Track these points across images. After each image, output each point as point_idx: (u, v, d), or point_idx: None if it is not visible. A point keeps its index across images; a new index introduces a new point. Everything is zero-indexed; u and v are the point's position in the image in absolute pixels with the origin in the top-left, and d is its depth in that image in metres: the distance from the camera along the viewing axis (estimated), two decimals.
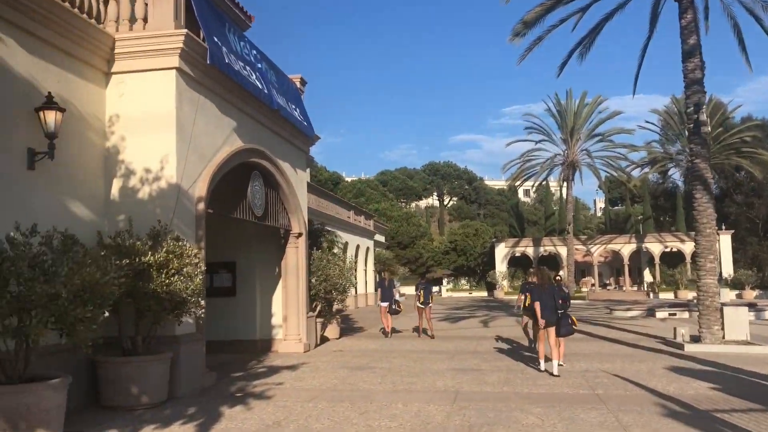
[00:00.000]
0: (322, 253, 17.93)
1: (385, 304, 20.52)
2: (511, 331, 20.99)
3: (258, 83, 13.24)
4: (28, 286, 6.46)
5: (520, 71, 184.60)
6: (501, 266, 61.55)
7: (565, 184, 52.63)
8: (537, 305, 12.24)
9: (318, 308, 17.97)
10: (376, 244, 56.45)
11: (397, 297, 20.82)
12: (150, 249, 9.35)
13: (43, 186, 8.93)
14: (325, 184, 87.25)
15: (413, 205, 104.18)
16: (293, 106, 15.96)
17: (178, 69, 10.45)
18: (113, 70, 10.55)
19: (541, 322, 12.15)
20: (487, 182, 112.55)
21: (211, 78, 11.51)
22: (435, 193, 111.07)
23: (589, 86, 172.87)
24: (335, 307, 20.88)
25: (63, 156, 9.30)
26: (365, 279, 45.84)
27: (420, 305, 20.20)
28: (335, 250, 20.60)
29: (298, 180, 16.57)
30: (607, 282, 65.32)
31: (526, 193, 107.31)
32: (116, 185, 10.42)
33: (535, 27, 22.58)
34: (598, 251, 60.03)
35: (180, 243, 9.80)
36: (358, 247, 43.90)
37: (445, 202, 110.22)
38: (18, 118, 8.55)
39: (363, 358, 14.88)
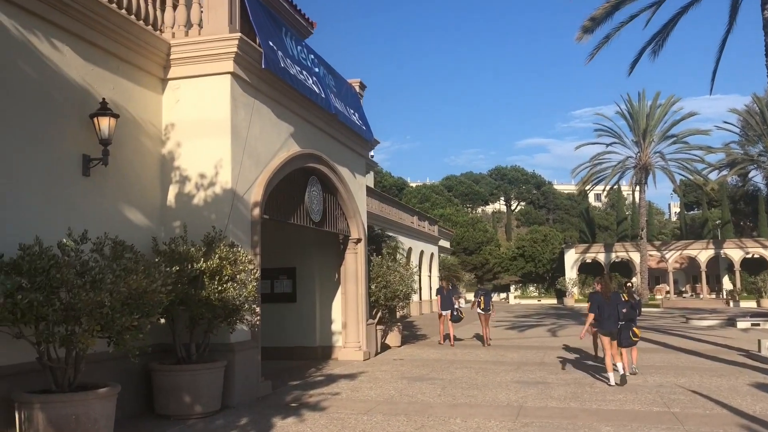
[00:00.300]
0: (382, 259, 17.62)
1: (446, 312, 20.02)
2: (581, 341, 20.11)
3: (315, 87, 13.06)
4: (74, 294, 6.36)
5: (589, 73, 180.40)
6: (571, 273, 59.91)
7: (637, 187, 50.75)
8: (590, 316, 12.10)
9: (378, 315, 17.66)
10: (441, 249, 55.89)
11: (457, 305, 20.28)
12: (203, 255, 9.23)
13: (98, 192, 8.94)
14: (389, 190, 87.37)
15: (479, 210, 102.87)
16: (352, 111, 15.73)
17: (233, 73, 10.34)
18: (169, 76, 10.53)
19: (592, 330, 12.02)
20: (556, 186, 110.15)
21: (267, 83, 11.38)
22: (502, 198, 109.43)
23: (662, 86, 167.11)
24: (398, 314, 20.80)
25: (118, 162, 9.31)
26: (429, 285, 45.35)
27: (480, 311, 19.94)
28: (397, 257, 20.24)
29: (356, 185, 16.33)
30: (683, 289, 62.58)
31: (597, 197, 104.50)
32: (172, 191, 10.39)
33: (603, 24, 21.76)
34: (673, 257, 57.62)
35: (234, 249, 9.65)
36: (422, 252, 43.48)
37: (513, 207, 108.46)
38: (73, 124, 8.58)
39: (423, 367, 14.47)
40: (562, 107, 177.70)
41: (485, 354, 17.18)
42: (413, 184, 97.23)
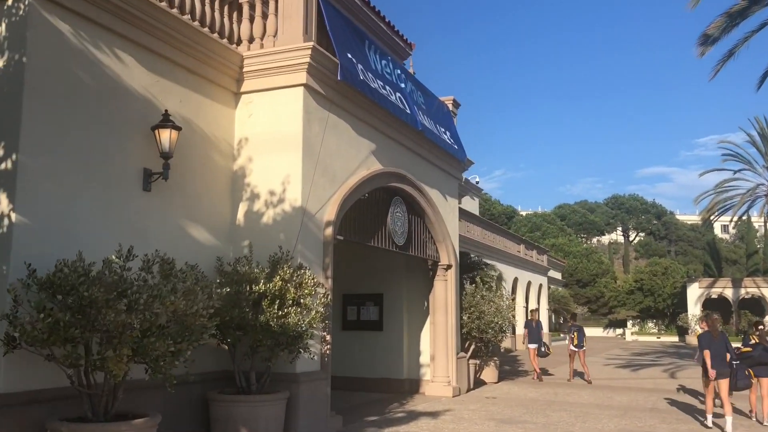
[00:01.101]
0: (476, 288, 16.45)
1: (534, 346, 19.26)
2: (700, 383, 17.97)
3: (399, 103, 12.31)
4: (103, 314, 5.82)
5: (715, 99, 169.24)
6: (694, 309, 55.44)
7: None
8: (706, 354, 11.03)
9: (472, 348, 16.47)
10: (552, 281, 53.45)
11: (545, 340, 19.48)
12: (266, 277, 8.59)
13: (160, 208, 8.53)
14: (498, 218, 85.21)
15: (594, 240, 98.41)
16: (442, 129, 14.87)
17: (306, 85, 9.76)
18: (242, 89, 10.12)
19: (711, 372, 10.91)
20: (678, 217, 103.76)
21: (345, 96, 10.75)
22: (619, 228, 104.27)
23: None
24: (502, 347, 20.02)
25: (184, 178, 8.91)
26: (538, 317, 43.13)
27: (573, 348, 18.98)
28: (493, 285, 18.99)
29: (447, 207, 15.36)
30: None
31: (724, 229, 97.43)
32: (242, 209, 9.89)
33: (729, 34, 19.76)
34: None
35: (300, 271, 8.96)
36: (529, 283, 41.58)
37: (631, 238, 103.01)
38: (136, 138, 8.24)
39: (517, 408, 13.15)
40: (686, 134, 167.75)
41: (589, 395, 15.55)
42: (523, 213, 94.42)
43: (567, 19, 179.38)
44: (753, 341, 11.99)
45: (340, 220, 10.51)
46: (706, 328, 11.36)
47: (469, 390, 15.73)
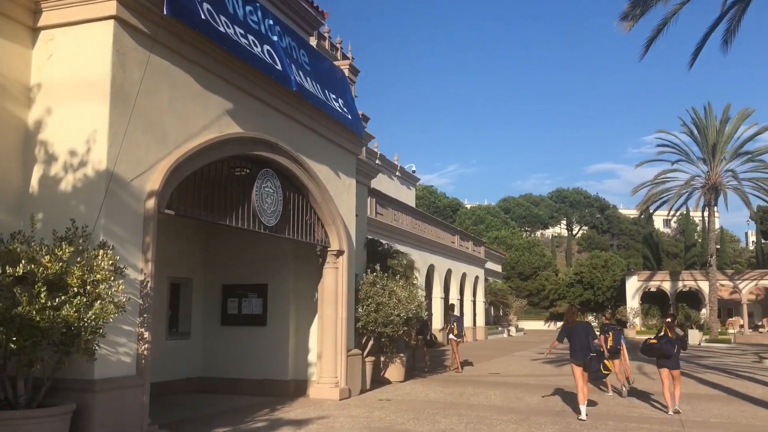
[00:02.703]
0: (376, 277, 14.67)
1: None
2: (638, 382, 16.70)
3: (267, 57, 10.40)
4: None
5: (661, 97, 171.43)
6: (632, 302, 55.16)
7: (706, 210, 45.96)
8: (552, 344, 12.05)
9: (370, 345, 14.71)
10: (491, 273, 52.30)
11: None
12: (50, 258, 6.60)
13: None
14: (443, 211, 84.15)
15: (538, 233, 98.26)
16: (333, 96, 13.01)
17: (117, 18, 7.77)
18: (40, 24, 8.05)
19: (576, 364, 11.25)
20: (621, 211, 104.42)
21: (184, 40, 8.77)
22: (563, 222, 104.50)
23: (734, 100, 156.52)
24: (436, 340, 19.75)
25: None
26: (474, 310, 41.88)
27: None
28: (403, 275, 17.28)
29: (340, 185, 13.53)
30: (759, 324, 56.73)
31: (666, 223, 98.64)
32: (36, 173, 7.86)
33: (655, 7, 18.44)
34: (747, 288, 52.22)
35: (93, 252, 6.99)
36: (464, 275, 40.19)
37: (574, 232, 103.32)
38: None
39: (406, 413, 11.44)
40: (633, 132, 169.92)
41: (498, 396, 13.95)
42: (468, 206, 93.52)
43: (514, 12, 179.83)
44: (662, 333, 11.75)
45: (172, 190, 8.56)
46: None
47: (364, 391, 13.96)
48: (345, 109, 13.35)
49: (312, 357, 13.46)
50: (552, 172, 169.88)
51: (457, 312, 22.36)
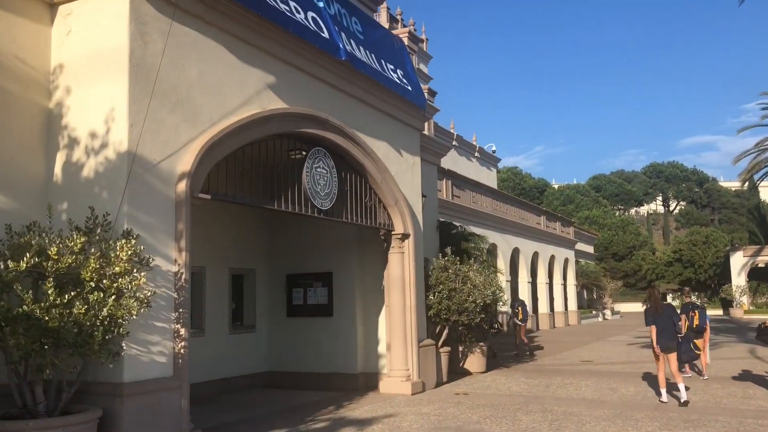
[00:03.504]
0: (447, 262, 13.59)
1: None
2: (739, 365, 14.96)
3: (312, 24, 9.52)
4: None
5: (760, 60, 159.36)
6: (738, 279, 51.35)
7: None
8: (652, 330, 10.92)
9: (444, 334, 13.68)
10: (583, 255, 49.93)
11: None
12: (61, 251, 5.96)
13: None
14: (529, 192, 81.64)
15: (632, 211, 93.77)
16: (391, 66, 12.01)
17: None
18: None
19: (656, 348, 10.87)
20: (722, 183, 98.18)
21: (217, 9, 8.00)
22: (659, 198, 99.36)
23: None
24: (521, 327, 19.08)
25: None
26: (564, 294, 39.95)
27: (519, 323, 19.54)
28: (482, 258, 16.13)
29: (403, 164, 12.53)
30: None
31: None
32: (60, 160, 7.27)
33: None
34: None
35: (111, 242, 6.31)
36: (552, 257, 38.32)
37: (671, 208, 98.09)
38: None
39: (485, 409, 10.36)
40: (731, 101, 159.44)
41: (590, 387, 12.62)
42: (556, 186, 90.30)
43: None
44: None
45: (207, 173, 7.81)
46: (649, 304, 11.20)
47: (440, 384, 12.95)
48: (404, 81, 12.32)
49: (382, 348, 12.58)
50: (646, 147, 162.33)
51: (522, 297, 23.28)
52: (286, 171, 9.42)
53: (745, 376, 13.44)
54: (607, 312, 50.49)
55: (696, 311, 13.94)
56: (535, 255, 35.53)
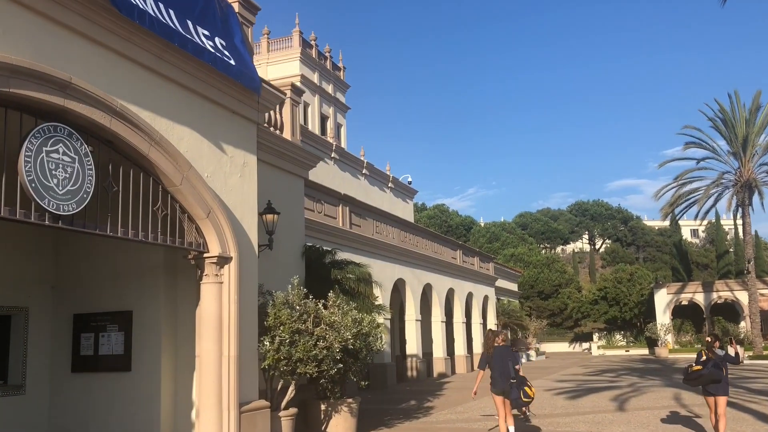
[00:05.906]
0: (294, 296, 10.36)
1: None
2: (656, 415, 12.29)
3: None
4: None
5: (682, 107, 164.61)
6: (663, 317, 50.03)
7: (740, 210, 40.99)
8: (479, 374, 11.04)
9: (290, 391, 10.42)
10: (506, 292, 47.59)
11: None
12: None
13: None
14: (456, 230, 79.83)
15: (558, 249, 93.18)
16: (205, 32, 8.94)
17: None
18: None
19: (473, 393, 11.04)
20: (646, 222, 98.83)
21: None
22: (585, 236, 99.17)
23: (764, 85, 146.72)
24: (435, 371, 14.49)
25: None
26: (481, 334, 37.14)
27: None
28: (356, 290, 13.02)
29: (228, 164, 9.38)
30: None
31: (693, 233, 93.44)
32: None
33: None
34: None
35: None
36: (470, 294, 35.61)
37: (597, 246, 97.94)
38: None
39: None
40: (653, 146, 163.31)
41: None
42: (483, 223, 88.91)
43: (535, 28, 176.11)
44: (704, 357, 10.24)
45: None
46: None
47: None
48: (225, 53, 9.24)
49: (195, 413, 9.22)
50: (574, 190, 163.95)
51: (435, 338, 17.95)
52: None
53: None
54: (531, 353, 48.15)
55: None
56: (451, 291, 32.75)
